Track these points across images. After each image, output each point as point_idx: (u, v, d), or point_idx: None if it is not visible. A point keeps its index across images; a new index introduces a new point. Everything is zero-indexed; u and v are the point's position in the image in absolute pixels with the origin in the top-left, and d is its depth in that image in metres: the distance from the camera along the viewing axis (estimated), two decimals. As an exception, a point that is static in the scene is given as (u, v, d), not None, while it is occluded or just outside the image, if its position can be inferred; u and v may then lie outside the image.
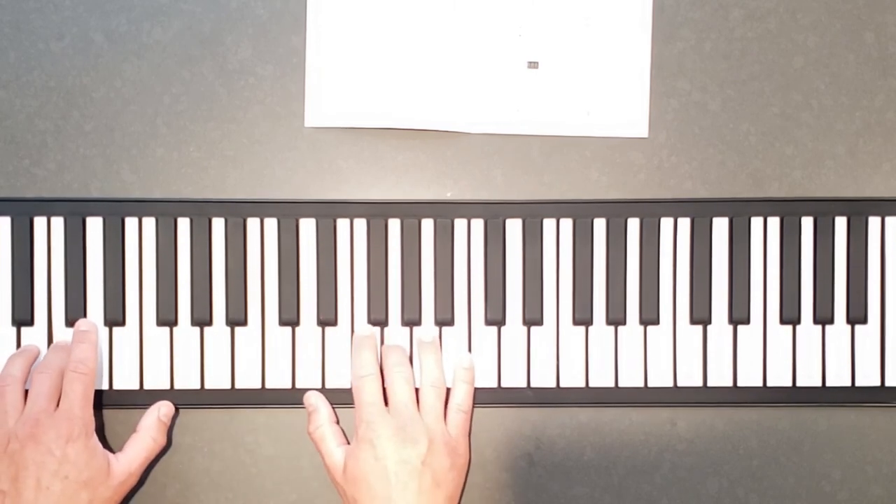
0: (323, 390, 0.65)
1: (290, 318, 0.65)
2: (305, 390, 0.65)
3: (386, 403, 0.62)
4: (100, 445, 0.60)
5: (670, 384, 0.66)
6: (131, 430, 0.64)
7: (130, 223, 0.65)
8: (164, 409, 0.64)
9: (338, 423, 0.64)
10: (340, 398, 0.65)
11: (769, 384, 0.65)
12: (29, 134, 0.65)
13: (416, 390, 0.63)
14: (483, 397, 0.65)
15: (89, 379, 0.61)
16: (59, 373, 0.61)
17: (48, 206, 0.65)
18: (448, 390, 0.64)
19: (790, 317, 0.65)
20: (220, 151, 0.66)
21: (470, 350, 0.65)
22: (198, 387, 0.65)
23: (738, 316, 0.65)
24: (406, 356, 0.64)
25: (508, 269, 0.65)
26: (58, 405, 0.60)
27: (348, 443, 0.63)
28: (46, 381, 0.60)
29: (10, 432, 0.59)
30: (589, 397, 0.66)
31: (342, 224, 0.65)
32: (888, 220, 0.66)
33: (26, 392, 0.61)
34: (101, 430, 0.65)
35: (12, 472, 0.58)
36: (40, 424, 0.58)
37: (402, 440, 0.60)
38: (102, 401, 0.65)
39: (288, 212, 0.65)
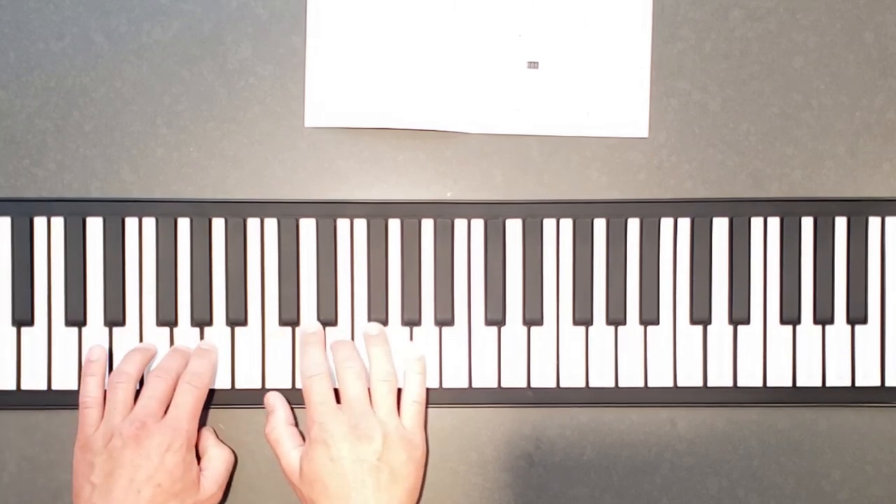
0: (323, 390, 0.65)
1: (290, 318, 0.65)
2: (305, 390, 0.65)
3: (338, 400, 0.62)
4: (195, 461, 0.61)
5: (670, 384, 0.66)
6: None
7: (130, 223, 0.65)
8: (210, 429, 0.65)
9: (296, 424, 0.64)
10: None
11: (769, 384, 0.65)
12: (29, 134, 0.65)
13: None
14: (483, 397, 0.65)
15: (201, 394, 0.62)
16: (175, 379, 0.62)
17: (48, 206, 0.65)
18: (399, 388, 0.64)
19: (790, 317, 0.65)
20: (220, 151, 0.66)
21: (470, 350, 0.65)
22: (198, 387, 0.65)
23: (738, 316, 0.65)
24: (355, 350, 0.64)
25: (508, 269, 0.65)
26: (166, 412, 0.60)
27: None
28: (161, 386, 0.61)
29: (116, 429, 0.59)
30: (589, 397, 0.66)
31: (342, 224, 0.65)
32: (888, 220, 0.66)
33: (138, 392, 0.62)
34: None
35: (108, 467, 0.58)
36: (146, 428, 0.59)
37: (357, 438, 0.59)
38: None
39: (288, 212, 0.65)
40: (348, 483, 0.59)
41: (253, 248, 0.65)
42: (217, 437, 0.65)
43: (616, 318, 0.65)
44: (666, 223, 0.66)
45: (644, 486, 0.66)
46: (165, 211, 0.65)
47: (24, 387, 0.64)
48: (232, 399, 0.65)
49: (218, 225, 0.65)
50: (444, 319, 0.65)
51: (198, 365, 0.62)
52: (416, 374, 0.64)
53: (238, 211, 0.65)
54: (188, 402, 0.61)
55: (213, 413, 0.65)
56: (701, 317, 0.65)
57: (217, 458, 0.63)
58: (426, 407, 0.65)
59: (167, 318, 0.65)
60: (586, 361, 0.66)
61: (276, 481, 0.66)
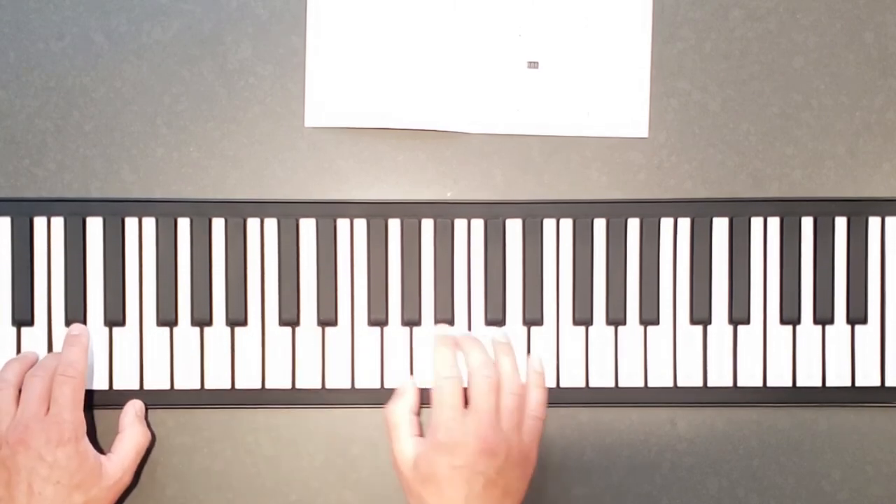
0: (323, 390, 0.65)
1: (290, 318, 0.65)
2: (305, 390, 0.65)
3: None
4: (91, 448, 0.60)
5: (670, 384, 0.66)
6: (131, 430, 0.64)
7: (130, 223, 0.65)
8: (136, 405, 0.64)
9: (418, 414, 0.64)
10: (340, 398, 0.65)
11: (769, 384, 0.65)
12: (29, 134, 0.65)
13: None
14: (483, 397, 0.65)
15: (78, 382, 0.61)
16: (51, 377, 0.61)
17: (48, 206, 0.65)
18: None
19: (790, 317, 0.65)
20: (220, 151, 0.66)
21: (470, 350, 0.65)
22: (198, 387, 0.65)
23: (738, 316, 0.65)
24: (489, 356, 0.63)
25: (508, 269, 0.65)
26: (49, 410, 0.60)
27: (421, 435, 0.63)
28: (38, 385, 0.60)
29: (1, 438, 0.59)
30: (589, 397, 0.66)
31: (342, 224, 0.65)
32: (888, 220, 0.66)
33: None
34: (100, 431, 0.65)
35: (5, 477, 0.58)
36: (30, 430, 0.58)
37: (482, 451, 0.58)
38: (103, 401, 0.65)
39: (288, 212, 0.65)
40: (463, 493, 0.58)
41: (253, 248, 0.65)
42: (137, 414, 0.63)
43: (616, 318, 0.65)
44: (666, 223, 0.66)
45: (644, 486, 0.66)
46: (165, 211, 0.65)
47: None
48: (232, 399, 0.65)
49: (218, 225, 0.65)
50: (444, 319, 0.65)
51: (69, 353, 0.62)
52: (537, 389, 0.63)
53: (238, 211, 0.65)
54: (66, 393, 0.60)
55: (214, 413, 0.65)
56: (701, 317, 0.65)
57: (127, 441, 0.62)
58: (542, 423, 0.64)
59: (167, 318, 0.65)
60: (586, 361, 0.65)
61: (276, 481, 0.66)
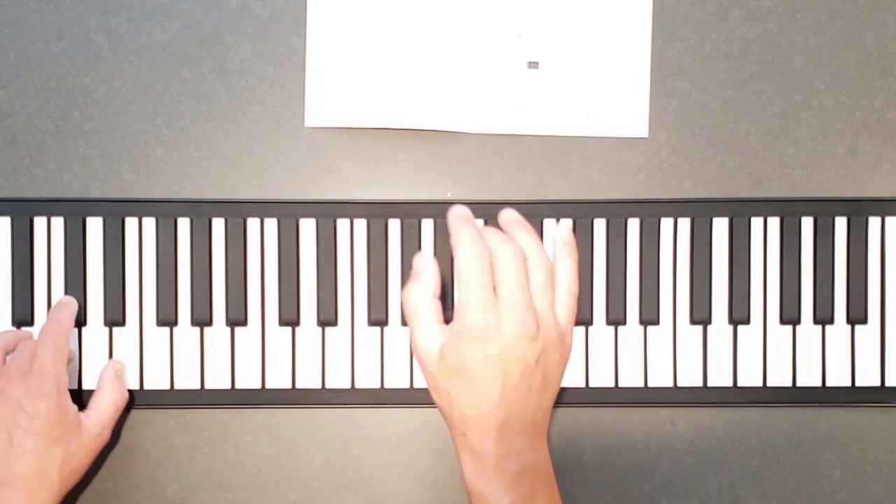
0: (323, 390, 0.65)
1: (290, 318, 0.65)
2: (305, 390, 0.65)
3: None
4: (71, 403, 0.60)
5: (670, 384, 0.66)
6: (130, 431, 0.64)
7: (130, 223, 0.65)
8: (117, 364, 0.64)
9: (441, 298, 0.56)
10: (340, 398, 0.65)
11: (769, 384, 0.65)
12: (29, 134, 0.65)
13: None
14: (483, 397, 0.65)
15: (62, 338, 0.60)
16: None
17: (48, 206, 0.65)
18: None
19: (790, 317, 0.65)
20: (220, 151, 0.66)
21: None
22: (198, 387, 0.65)
23: (738, 316, 0.65)
24: (506, 235, 0.56)
25: (508, 269, 0.65)
26: None
27: (446, 322, 0.56)
28: (28, 346, 0.60)
29: None
30: (589, 397, 0.66)
31: (342, 224, 0.65)
32: (888, 220, 0.66)
33: None
34: (101, 430, 0.65)
35: None
36: (11, 380, 0.58)
37: (517, 335, 0.52)
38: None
39: (288, 212, 0.65)
40: (500, 385, 0.52)
41: (253, 248, 0.65)
42: (117, 372, 0.63)
43: (616, 318, 0.65)
44: (666, 223, 0.66)
45: (644, 486, 0.66)
46: (165, 211, 0.65)
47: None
48: (232, 399, 0.65)
49: (218, 225, 0.65)
50: (444, 319, 0.65)
51: (56, 313, 0.61)
52: (567, 261, 0.57)
53: (238, 211, 0.65)
54: (48, 345, 0.59)
55: (214, 413, 0.65)
56: (701, 317, 0.65)
57: (105, 397, 0.62)
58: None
59: (167, 318, 0.65)
60: (586, 361, 0.66)
61: (276, 481, 0.66)
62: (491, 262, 0.54)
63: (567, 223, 0.61)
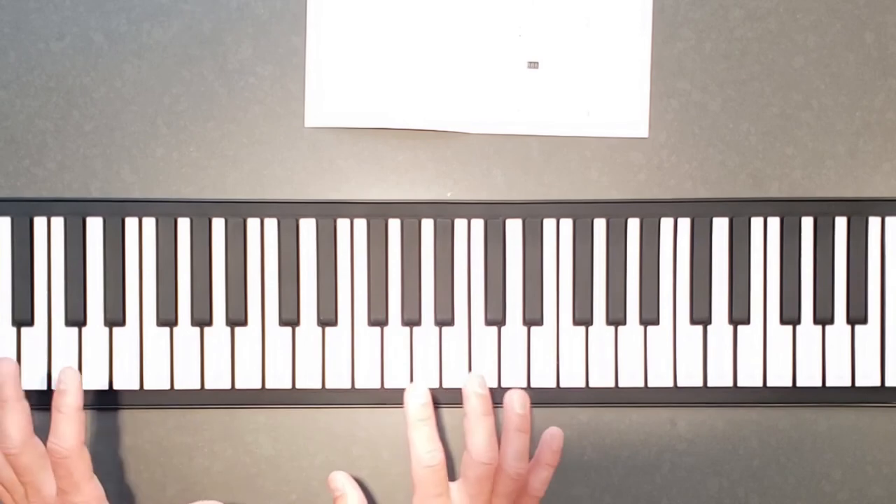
0: (323, 390, 0.65)
1: (290, 318, 0.65)
2: (305, 390, 0.65)
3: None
4: (98, 484, 0.58)
5: (670, 384, 0.66)
6: (130, 431, 0.64)
7: (130, 223, 0.65)
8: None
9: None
10: (340, 398, 0.65)
11: (769, 384, 0.65)
12: (29, 134, 0.65)
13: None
14: (483, 397, 0.65)
15: (74, 459, 0.57)
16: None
17: (48, 206, 0.65)
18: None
19: (790, 317, 0.65)
20: (220, 151, 0.66)
21: (470, 350, 0.65)
22: (198, 387, 0.65)
23: (738, 316, 0.65)
24: (493, 435, 0.59)
25: (508, 269, 0.65)
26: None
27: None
28: (61, 468, 0.57)
29: None
30: (589, 397, 0.66)
31: (342, 224, 0.65)
32: (888, 220, 0.66)
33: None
34: (100, 431, 0.65)
35: None
36: None
37: None
38: (103, 402, 0.65)
39: (288, 212, 0.65)
40: None
41: (253, 248, 0.65)
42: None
43: (616, 318, 0.65)
44: (666, 223, 0.66)
45: (644, 486, 0.66)
46: (165, 211, 0.65)
47: (23, 387, 0.64)
48: (232, 399, 0.65)
49: (218, 225, 0.65)
50: (444, 319, 0.65)
51: (56, 425, 0.57)
52: (546, 468, 0.61)
53: (238, 211, 0.65)
54: (66, 477, 0.56)
55: (214, 413, 0.65)
56: (701, 317, 0.65)
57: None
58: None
59: (167, 318, 0.65)
60: (586, 361, 0.66)
61: (276, 481, 0.66)
62: (464, 460, 0.58)
63: (558, 430, 0.62)
